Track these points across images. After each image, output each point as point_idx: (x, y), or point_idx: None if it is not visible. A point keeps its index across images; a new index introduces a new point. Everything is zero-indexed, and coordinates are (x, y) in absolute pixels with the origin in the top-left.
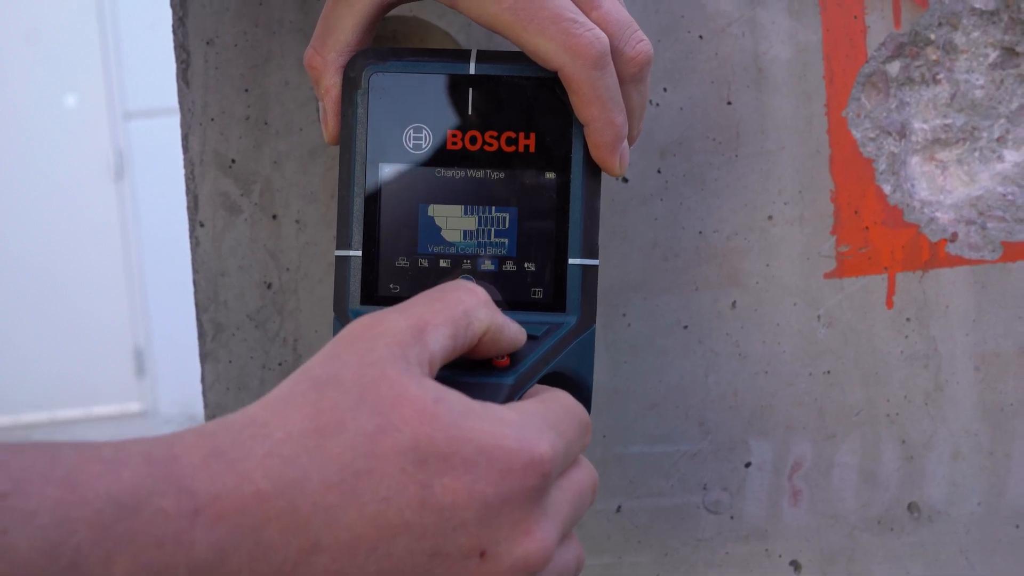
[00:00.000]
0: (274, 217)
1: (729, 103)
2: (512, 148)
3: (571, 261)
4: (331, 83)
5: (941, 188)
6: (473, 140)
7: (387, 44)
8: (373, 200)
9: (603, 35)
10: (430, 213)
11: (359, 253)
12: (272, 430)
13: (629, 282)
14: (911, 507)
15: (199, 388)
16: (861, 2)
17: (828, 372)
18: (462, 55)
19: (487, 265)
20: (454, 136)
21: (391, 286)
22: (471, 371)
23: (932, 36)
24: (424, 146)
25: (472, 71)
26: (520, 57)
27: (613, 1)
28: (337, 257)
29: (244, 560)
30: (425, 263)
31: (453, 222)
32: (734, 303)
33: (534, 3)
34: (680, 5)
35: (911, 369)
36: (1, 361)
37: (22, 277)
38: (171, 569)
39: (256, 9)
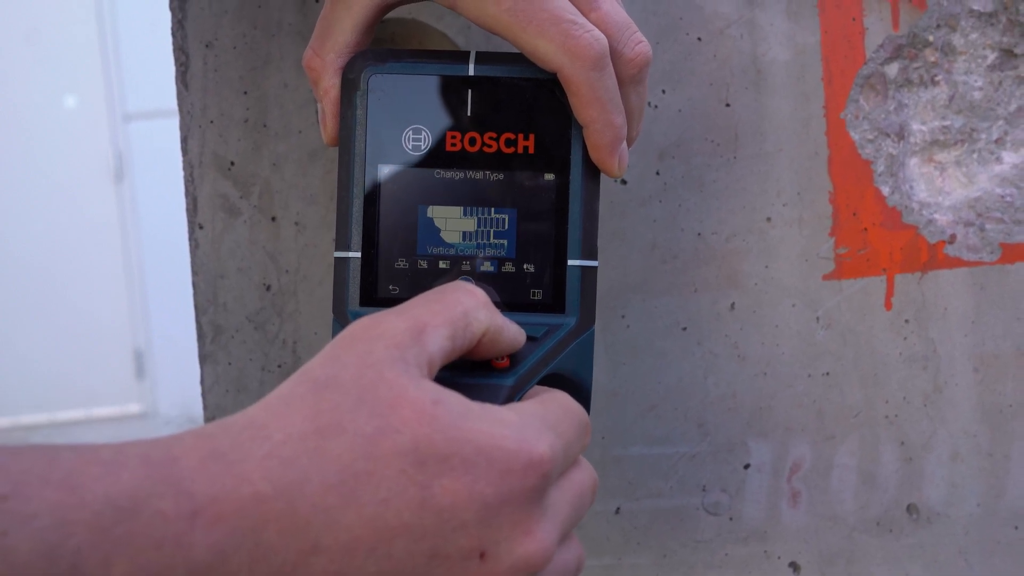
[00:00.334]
0: (273, 219)
1: (728, 105)
2: (511, 149)
3: (570, 262)
4: (330, 84)
5: (940, 190)
6: (472, 141)
7: (386, 46)
8: (372, 201)
9: (602, 36)
10: (429, 214)
11: (358, 254)
12: (271, 432)
13: (628, 284)
14: (910, 508)
15: (198, 390)
16: (859, 4)
17: (827, 373)
18: (461, 56)
19: (486, 266)
20: (453, 137)
21: (390, 287)
22: (471, 372)
23: (930, 38)
24: (423, 147)
25: (471, 72)
26: (519, 59)
27: (612, 3)
28: (336, 258)
29: (243, 562)
30: (424, 264)
31: (452, 223)
32: (733, 305)
33: (533, 4)
34: (679, 7)
35: (910, 370)
36: (1, 362)
37: (22, 278)
38: (170, 571)
39: (255, 11)
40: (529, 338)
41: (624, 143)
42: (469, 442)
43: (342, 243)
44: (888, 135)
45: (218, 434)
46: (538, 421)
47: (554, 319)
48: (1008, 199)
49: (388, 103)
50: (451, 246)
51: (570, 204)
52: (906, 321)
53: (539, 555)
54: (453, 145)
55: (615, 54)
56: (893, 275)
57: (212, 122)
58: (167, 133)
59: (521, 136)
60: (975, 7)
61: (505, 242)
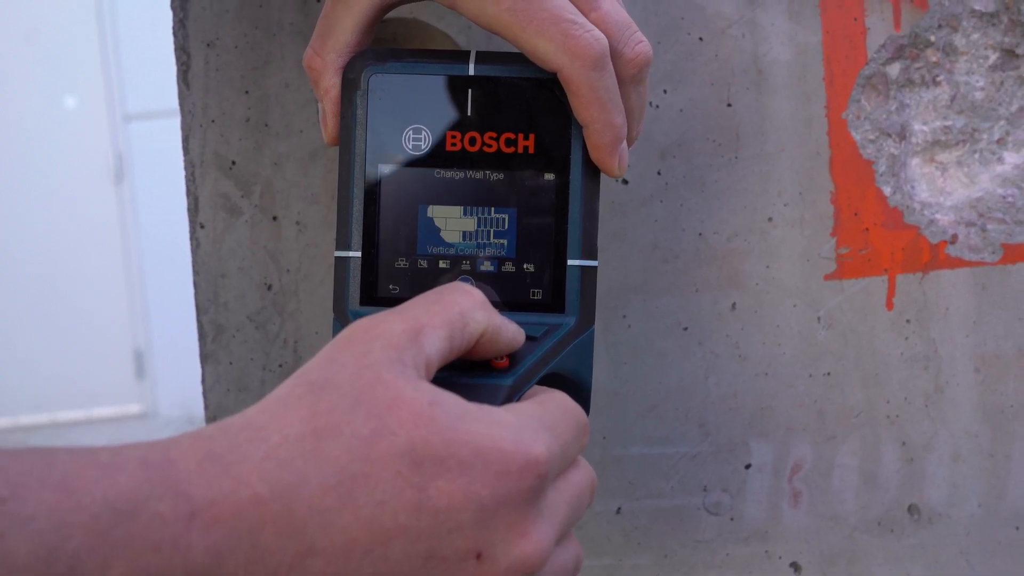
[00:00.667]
0: (274, 219)
1: (729, 105)
2: (511, 149)
3: (570, 262)
4: (330, 84)
5: (941, 190)
6: (472, 141)
7: (387, 46)
8: (372, 201)
9: (602, 36)
10: (429, 214)
11: (358, 254)
12: (268, 434)
13: (629, 284)
14: (911, 509)
15: (199, 390)
16: (861, 4)
17: (828, 374)
18: (461, 56)
19: (486, 266)
20: (453, 137)
21: (390, 287)
22: (470, 373)
23: (932, 38)
24: (423, 147)
25: (471, 72)
26: (519, 58)
27: (612, 2)
28: (336, 258)
29: (240, 563)
30: (424, 264)
31: (452, 223)
32: (734, 305)
33: (533, 4)
34: (680, 7)
35: (911, 371)
36: (1, 362)
37: (22, 279)
38: (167, 573)
39: (256, 11)
40: (529, 338)
41: (624, 143)
42: (466, 443)
43: (342, 243)
44: (890, 135)
45: (215, 436)
46: (535, 422)
47: (554, 319)
48: (1010, 199)
49: (388, 103)
50: (451, 246)
51: (570, 204)
52: (907, 321)
53: (536, 556)
54: (453, 145)
55: (615, 54)
56: (894, 275)
57: (213, 121)
58: (167, 133)
59: (521, 136)
60: (977, 7)
61: (505, 242)
